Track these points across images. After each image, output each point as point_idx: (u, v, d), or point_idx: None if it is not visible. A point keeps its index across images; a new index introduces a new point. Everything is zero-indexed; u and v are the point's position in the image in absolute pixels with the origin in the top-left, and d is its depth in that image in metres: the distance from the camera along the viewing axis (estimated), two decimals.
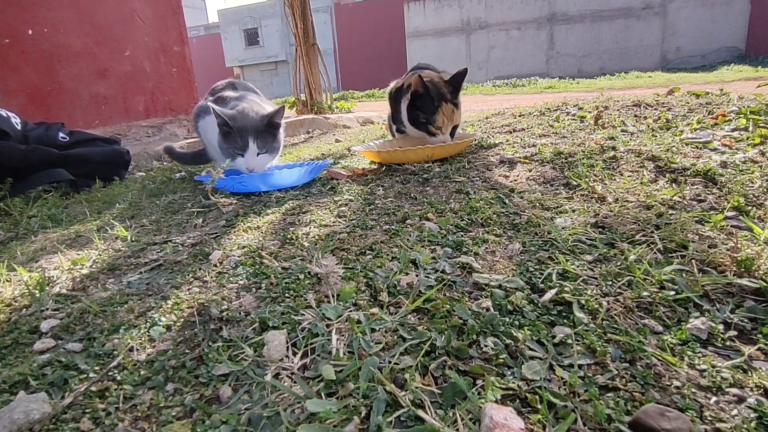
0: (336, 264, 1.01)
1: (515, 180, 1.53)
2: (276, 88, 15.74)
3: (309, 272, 0.97)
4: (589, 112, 2.53)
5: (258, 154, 1.73)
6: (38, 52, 3.25)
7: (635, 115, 2.35)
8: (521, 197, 1.35)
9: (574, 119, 2.40)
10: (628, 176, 1.43)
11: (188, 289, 0.97)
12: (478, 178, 1.57)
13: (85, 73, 3.52)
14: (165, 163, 3.07)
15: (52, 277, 1.10)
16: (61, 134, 2.34)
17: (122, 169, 2.48)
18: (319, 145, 3.25)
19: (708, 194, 1.24)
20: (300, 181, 1.71)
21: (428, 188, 1.52)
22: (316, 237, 1.18)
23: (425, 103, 1.83)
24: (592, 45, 12.33)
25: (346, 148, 2.71)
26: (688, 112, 2.35)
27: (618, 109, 2.51)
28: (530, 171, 1.59)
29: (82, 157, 2.26)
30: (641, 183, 1.36)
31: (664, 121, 2.18)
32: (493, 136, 2.20)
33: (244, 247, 1.14)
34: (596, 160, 1.59)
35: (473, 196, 1.38)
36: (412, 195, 1.46)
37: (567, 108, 2.69)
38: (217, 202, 1.54)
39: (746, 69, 9.76)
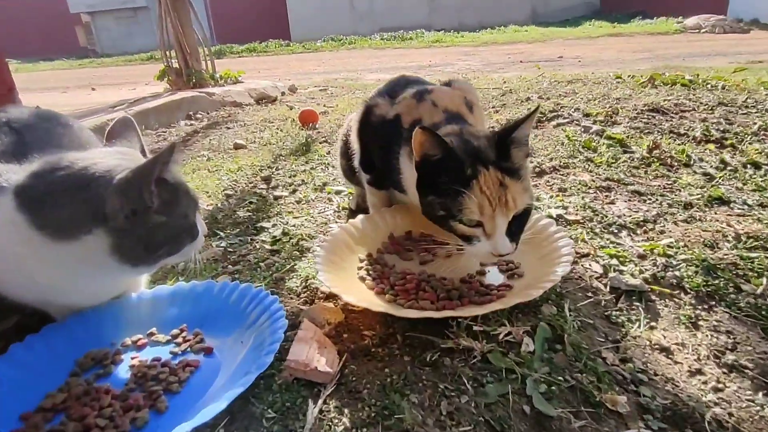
0: None
1: (700, 379, 0.69)
2: (137, 39, 12.46)
3: None
4: (601, 121, 1.75)
5: None
6: None
7: (672, 131, 1.62)
8: None
9: (610, 144, 1.58)
10: None
11: None
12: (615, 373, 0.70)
13: None
14: None
15: None
16: None
17: None
18: (213, 159, 2.08)
19: None
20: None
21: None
22: None
23: (444, 175, 0.85)
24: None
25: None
26: (727, 123, 1.69)
27: (633, 117, 1.77)
28: (696, 329, 0.77)
29: None
30: None
31: (731, 146, 1.48)
32: None
33: None
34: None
35: None
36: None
37: (564, 111, 1.87)
38: None
39: (605, 25, 9.86)
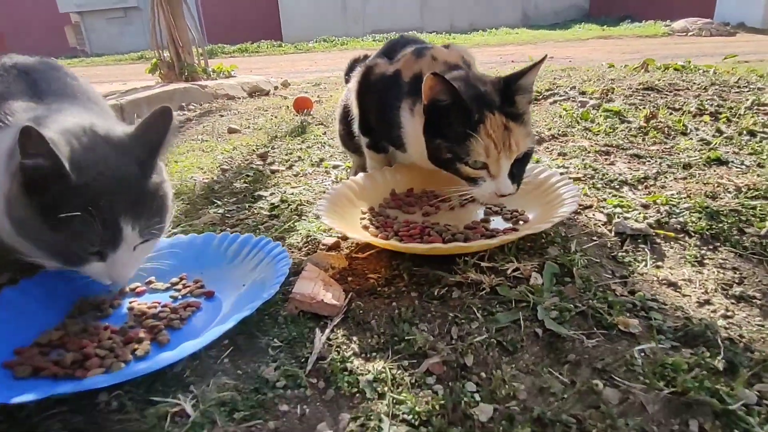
0: None
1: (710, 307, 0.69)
2: (128, 39, 12.33)
3: None
4: (597, 98, 1.77)
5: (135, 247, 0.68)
6: None
7: (668, 106, 1.64)
8: None
9: (607, 116, 1.59)
10: None
11: None
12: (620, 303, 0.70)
13: None
14: None
15: None
16: None
17: None
18: (208, 141, 2.06)
19: None
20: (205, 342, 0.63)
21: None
22: None
23: (452, 119, 0.86)
24: (462, 0, 11.73)
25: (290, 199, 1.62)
26: (721, 100, 1.71)
27: (629, 95, 1.79)
28: (702, 266, 0.77)
29: None
30: None
31: (726, 119, 1.50)
32: None
33: None
34: None
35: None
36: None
37: (560, 90, 1.88)
38: None
39: (594, 27, 10.00)
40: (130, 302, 0.81)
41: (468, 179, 0.87)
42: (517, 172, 0.86)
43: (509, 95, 0.87)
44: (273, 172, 1.56)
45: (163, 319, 0.73)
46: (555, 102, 1.76)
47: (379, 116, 1.09)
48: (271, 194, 1.32)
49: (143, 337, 0.68)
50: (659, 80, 1.99)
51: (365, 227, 0.92)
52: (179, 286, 0.85)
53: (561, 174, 1.00)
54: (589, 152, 1.30)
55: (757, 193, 0.98)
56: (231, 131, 2.29)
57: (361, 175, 1.09)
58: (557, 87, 1.92)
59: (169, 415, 0.57)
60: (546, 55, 0.94)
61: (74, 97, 0.81)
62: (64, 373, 0.62)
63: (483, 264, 0.78)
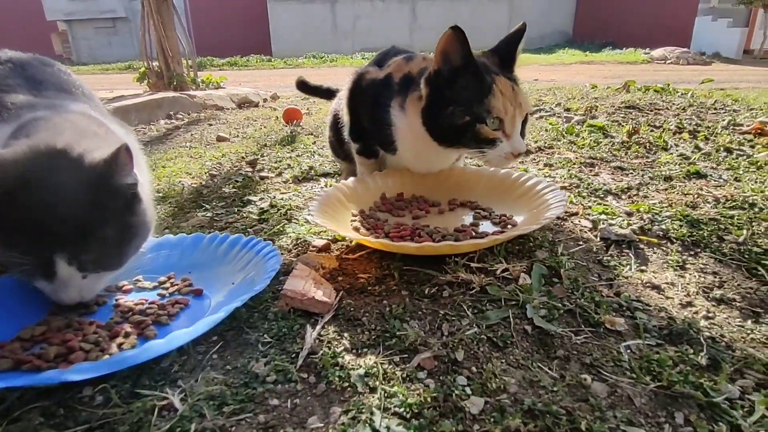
0: None
1: (691, 308, 0.71)
2: (116, 49, 12.27)
3: None
4: (582, 114, 1.82)
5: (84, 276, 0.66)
6: None
7: (649, 124, 1.70)
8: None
9: (591, 131, 1.64)
10: None
11: None
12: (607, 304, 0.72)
13: None
14: None
15: None
16: None
17: None
18: (196, 148, 2.06)
19: None
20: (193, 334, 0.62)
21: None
22: None
23: (464, 84, 0.90)
24: (451, 21, 11.81)
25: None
26: (699, 119, 1.78)
27: (612, 113, 1.84)
28: (684, 270, 0.80)
29: None
30: None
31: (704, 137, 1.55)
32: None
33: None
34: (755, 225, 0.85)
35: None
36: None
37: (546, 106, 1.94)
38: None
39: (577, 53, 10.32)
40: (116, 299, 0.79)
41: (484, 142, 0.91)
42: (523, 132, 0.94)
43: (506, 64, 0.97)
44: (262, 178, 1.56)
45: (150, 315, 0.72)
46: (541, 117, 1.80)
47: (370, 118, 1.10)
48: (261, 199, 1.32)
49: (130, 331, 0.67)
50: (640, 100, 2.06)
51: (356, 229, 0.92)
52: (167, 285, 0.84)
53: (548, 181, 1.02)
54: (574, 164, 1.34)
55: (734, 203, 1.01)
56: (220, 139, 2.29)
57: (351, 179, 1.10)
58: (543, 103, 1.97)
59: (157, 409, 0.55)
60: (525, 23, 0.99)
61: (70, 91, 0.81)
62: (48, 367, 0.61)
63: (473, 264, 0.79)
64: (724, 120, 1.77)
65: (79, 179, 0.64)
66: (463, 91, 0.90)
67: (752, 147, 1.45)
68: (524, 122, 0.94)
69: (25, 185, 0.61)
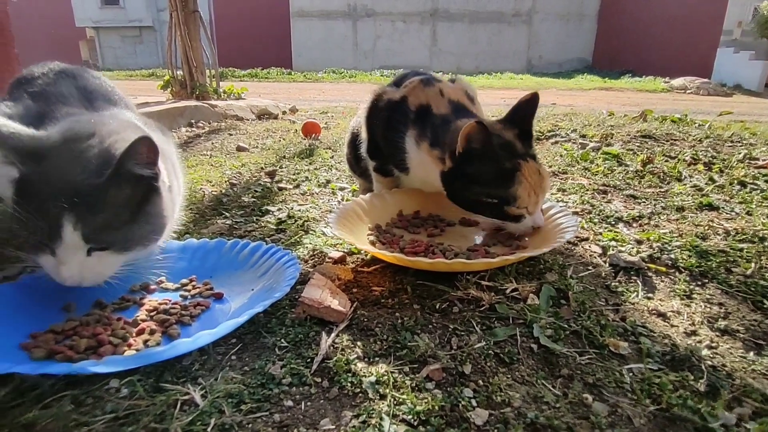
0: None
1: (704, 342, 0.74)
2: (140, 58, 12.74)
3: None
4: (597, 141, 1.86)
5: (89, 251, 0.70)
6: None
7: (664, 154, 1.72)
8: None
9: (605, 158, 1.67)
10: None
11: None
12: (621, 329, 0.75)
13: None
14: None
15: None
16: None
17: None
18: (217, 156, 2.13)
19: None
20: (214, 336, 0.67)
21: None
22: None
23: (486, 167, 0.93)
24: (470, 45, 12.14)
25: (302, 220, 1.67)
26: (714, 151, 1.80)
27: (627, 141, 1.88)
28: (690, 300, 0.82)
29: None
30: None
31: (719, 169, 1.58)
32: None
33: None
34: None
35: None
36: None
37: (561, 132, 1.98)
38: None
39: (596, 79, 10.36)
40: (140, 299, 0.84)
41: (507, 218, 0.95)
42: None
43: (526, 139, 0.97)
44: (280, 189, 1.62)
45: (173, 315, 0.77)
46: (557, 142, 1.84)
47: (385, 139, 1.15)
48: (279, 209, 1.37)
49: (155, 329, 0.71)
50: (657, 129, 2.09)
51: (372, 243, 0.96)
52: (189, 287, 0.88)
53: (561, 206, 1.06)
54: (587, 190, 1.37)
55: (744, 236, 1.04)
56: (239, 149, 2.36)
57: (369, 195, 1.14)
58: (559, 129, 2.01)
59: (179, 403, 0.59)
60: (536, 94, 1.00)
61: (116, 102, 0.88)
62: (79, 358, 0.65)
63: (484, 283, 0.82)
64: (740, 153, 1.79)
65: (98, 158, 0.70)
66: (490, 177, 0.93)
67: (767, 182, 1.47)
68: None
69: (50, 155, 0.69)
